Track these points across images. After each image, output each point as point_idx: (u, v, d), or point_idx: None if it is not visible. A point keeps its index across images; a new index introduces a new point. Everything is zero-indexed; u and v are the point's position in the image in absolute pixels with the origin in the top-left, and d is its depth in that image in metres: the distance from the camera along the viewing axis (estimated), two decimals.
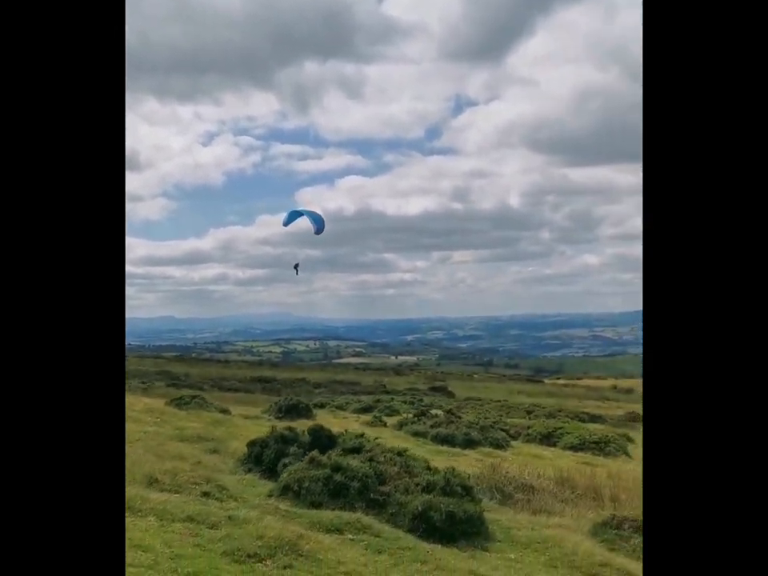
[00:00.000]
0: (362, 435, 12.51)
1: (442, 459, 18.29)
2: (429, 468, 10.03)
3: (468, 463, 17.29)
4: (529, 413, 36.58)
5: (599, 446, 22.55)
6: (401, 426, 23.14)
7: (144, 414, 17.47)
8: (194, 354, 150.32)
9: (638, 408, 49.20)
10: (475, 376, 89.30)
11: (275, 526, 6.76)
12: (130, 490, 7.35)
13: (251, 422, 19.53)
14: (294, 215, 20.13)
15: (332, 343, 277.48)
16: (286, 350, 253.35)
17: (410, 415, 24.66)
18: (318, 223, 19.68)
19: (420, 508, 8.50)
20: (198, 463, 10.62)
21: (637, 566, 8.72)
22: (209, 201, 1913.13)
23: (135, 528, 6.44)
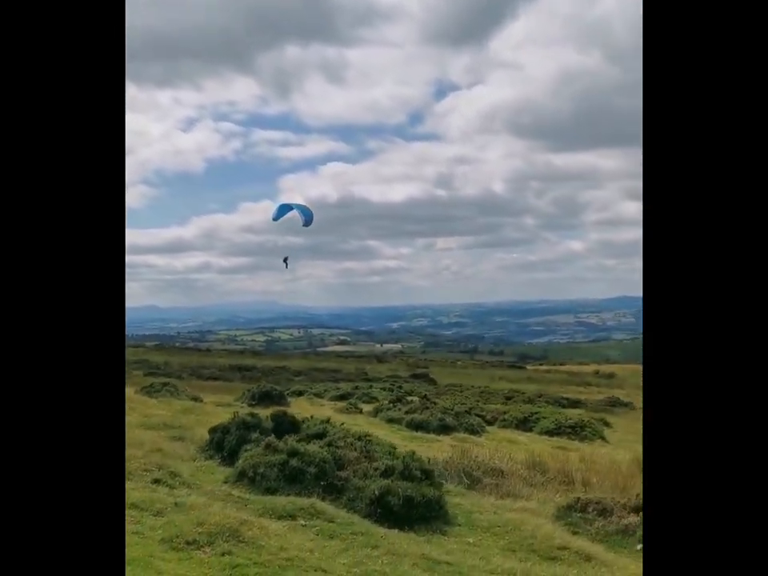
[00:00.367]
0: (327, 421, 12.33)
1: (414, 445, 18.16)
2: (391, 453, 9.85)
3: (441, 449, 17.15)
4: (508, 398, 36.58)
5: (575, 431, 22.56)
6: (376, 412, 23.02)
7: None
8: (177, 344, 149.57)
9: (619, 393, 49.51)
10: (458, 363, 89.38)
11: (219, 513, 6.57)
12: None
13: (223, 409, 19.28)
14: (284, 209, 19.91)
15: (316, 331, 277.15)
16: (269, 338, 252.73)
17: (386, 402, 24.52)
18: (307, 215, 19.54)
19: (377, 492, 8.34)
20: (156, 450, 10.39)
21: (597, 549, 8.62)
22: (190, 188, 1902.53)
23: None
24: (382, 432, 20.69)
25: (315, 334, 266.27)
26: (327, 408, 24.98)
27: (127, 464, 8.64)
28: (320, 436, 10.65)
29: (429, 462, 9.88)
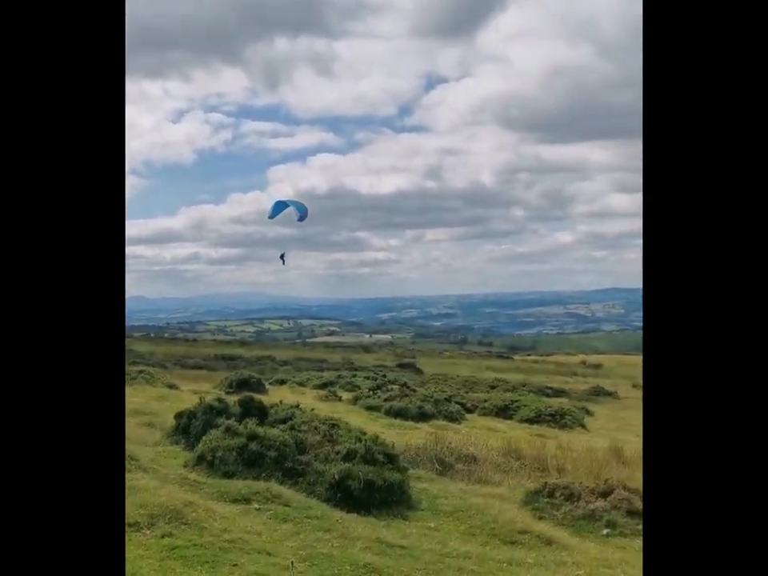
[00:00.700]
0: (296, 406, 12.17)
1: (392, 432, 18.06)
2: (356, 438, 9.70)
3: (417, 436, 17.05)
4: (492, 387, 36.48)
5: (555, 419, 22.49)
6: (356, 400, 22.87)
7: None
8: (166, 335, 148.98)
9: (604, 383, 49.54)
10: (445, 353, 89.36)
11: (165, 495, 6.40)
12: None
13: (198, 396, 19.08)
14: (279, 206, 19.77)
15: (306, 322, 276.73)
16: (259, 329, 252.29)
17: (366, 390, 24.39)
18: (302, 211, 19.47)
19: (337, 476, 8.21)
20: None
21: (561, 533, 8.51)
22: (179, 179, 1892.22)
23: None
24: (359, 419, 20.55)
25: (305, 325, 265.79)
26: (308, 396, 24.84)
27: None
28: (286, 421, 10.51)
29: (393, 446, 9.72)
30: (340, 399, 23.38)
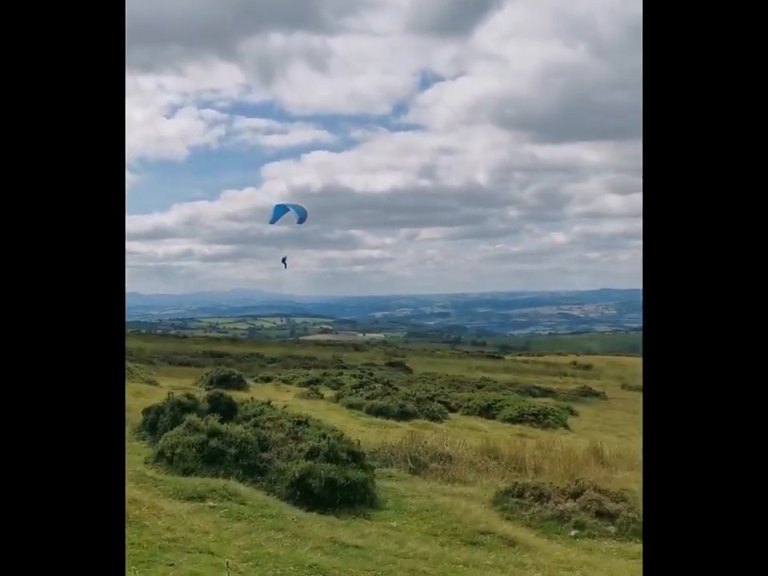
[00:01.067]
0: (267, 403, 12.00)
1: (372, 431, 17.93)
2: (324, 435, 9.52)
3: (397, 434, 16.91)
4: (479, 387, 36.34)
5: (537, 419, 22.37)
6: (338, 398, 22.72)
7: None
8: (159, 331, 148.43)
9: (593, 383, 49.47)
10: (437, 352, 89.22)
11: None
12: None
13: (168, 392, 18.93)
14: (279, 211, 19.69)
15: (299, 320, 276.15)
16: (252, 326, 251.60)
17: (348, 387, 24.23)
18: (301, 213, 19.46)
19: (297, 475, 8.04)
20: None
21: (525, 534, 8.37)
22: (173, 175, 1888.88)
23: None
24: (340, 418, 20.41)
25: (298, 323, 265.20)
26: (290, 394, 24.66)
27: None
28: (253, 418, 10.33)
29: (359, 444, 9.55)
30: (322, 397, 23.22)
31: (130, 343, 62.75)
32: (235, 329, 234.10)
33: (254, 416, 10.23)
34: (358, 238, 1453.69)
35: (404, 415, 20.47)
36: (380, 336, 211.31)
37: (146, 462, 8.66)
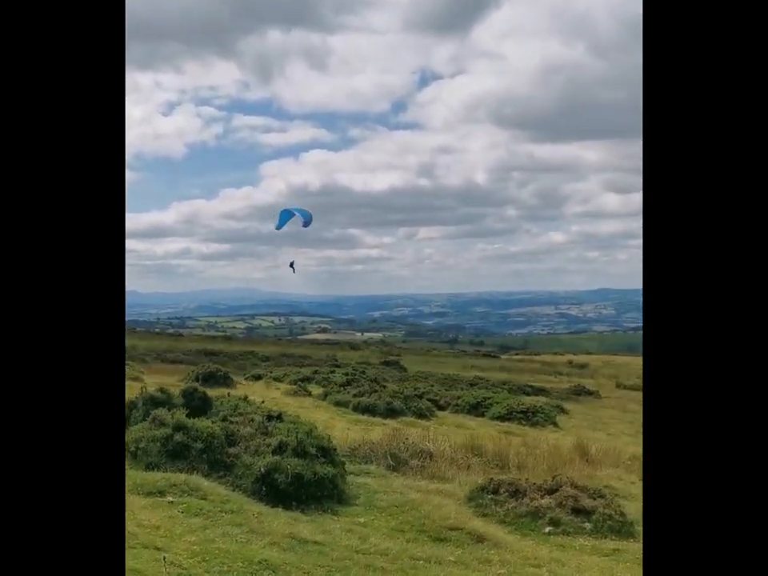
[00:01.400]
0: (244, 398, 11.85)
1: (358, 428, 17.78)
2: (292, 430, 9.34)
3: (381, 431, 16.76)
4: (473, 385, 36.17)
5: (526, 416, 22.23)
6: (325, 395, 22.55)
7: None
8: (156, 329, 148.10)
9: (588, 382, 49.32)
10: (433, 351, 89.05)
11: None
12: None
13: (141, 387, 18.73)
14: (285, 216, 19.62)
15: (297, 319, 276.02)
16: (250, 325, 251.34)
17: (336, 385, 24.07)
18: (306, 217, 19.46)
19: (263, 470, 7.87)
20: None
21: (496, 530, 8.21)
22: (170, 173, 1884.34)
23: None
24: (326, 415, 20.25)
25: (296, 322, 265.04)
26: (279, 391, 24.48)
27: None
28: (220, 412, 10.17)
29: (329, 439, 9.39)
30: (309, 394, 23.05)
31: (126, 341, 62.55)
32: (233, 328, 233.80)
33: (228, 411, 10.06)
34: (357, 237, 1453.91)
35: (391, 413, 20.31)
36: (378, 335, 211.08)
37: None
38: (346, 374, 35.51)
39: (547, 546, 8.05)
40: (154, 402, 10.90)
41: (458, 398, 24.45)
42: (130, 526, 5.63)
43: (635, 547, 8.31)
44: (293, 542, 6.23)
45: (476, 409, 23.08)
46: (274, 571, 5.28)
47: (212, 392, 14.49)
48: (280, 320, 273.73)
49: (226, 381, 21.62)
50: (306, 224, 19.56)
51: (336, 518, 7.76)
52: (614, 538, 8.72)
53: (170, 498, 6.91)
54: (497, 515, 9.18)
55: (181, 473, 7.76)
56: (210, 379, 21.21)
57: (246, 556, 5.47)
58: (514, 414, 22.16)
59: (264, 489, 7.76)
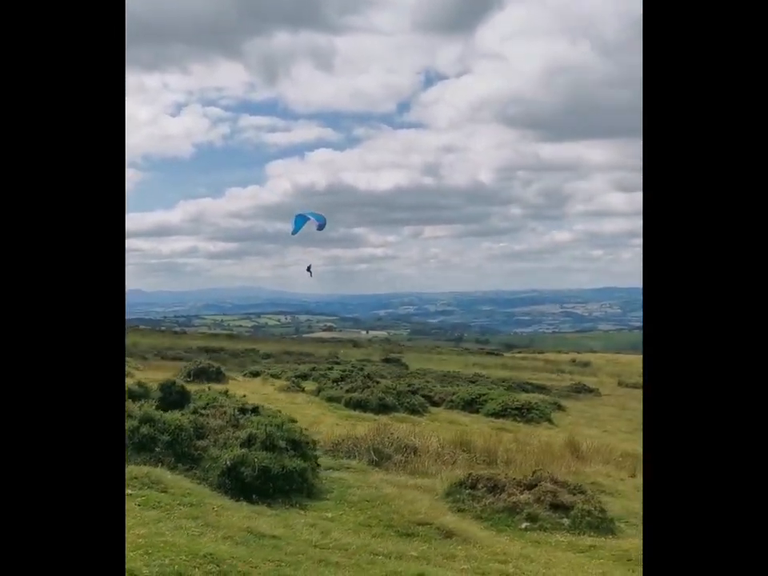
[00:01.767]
0: (225, 392, 11.70)
1: (346, 423, 17.61)
2: (261, 423, 9.18)
3: (370, 427, 16.59)
4: (472, 382, 35.98)
5: (521, 413, 22.00)
6: (318, 391, 22.40)
7: None
8: (162, 328, 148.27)
9: (589, 380, 49.04)
10: (436, 349, 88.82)
11: None
12: None
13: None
14: (300, 221, 19.64)
15: (303, 317, 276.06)
16: (256, 324, 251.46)
17: (329, 381, 23.91)
18: (320, 220, 19.58)
19: (229, 463, 7.71)
20: None
21: (468, 526, 8.03)
22: (177, 173, 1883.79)
23: None
24: (317, 410, 20.08)
25: (302, 321, 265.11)
26: (274, 387, 24.33)
27: None
28: (207, 406, 10.02)
29: (301, 432, 9.21)
30: (303, 390, 22.89)
31: (127, 338, 62.68)
32: (240, 326, 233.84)
33: (202, 404, 9.90)
34: (362, 236, 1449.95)
35: (383, 408, 20.14)
36: (383, 334, 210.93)
37: None
38: (344, 371, 35.39)
39: (521, 542, 7.87)
40: (131, 395, 10.75)
41: (453, 394, 24.26)
42: None
43: (612, 543, 8.13)
44: (248, 535, 6.06)
45: (470, 405, 22.88)
46: (217, 565, 5.10)
47: (201, 387, 14.38)
48: (286, 318, 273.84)
49: (217, 376, 21.49)
50: (320, 227, 19.69)
51: (303, 512, 7.59)
52: (592, 534, 8.53)
53: (129, 491, 6.75)
54: (473, 510, 9.00)
55: (145, 465, 7.61)
56: (202, 375, 21.09)
57: (192, 549, 5.29)
58: (509, 410, 21.95)
59: (229, 482, 7.61)
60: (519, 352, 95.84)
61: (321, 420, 17.78)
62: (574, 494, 9.37)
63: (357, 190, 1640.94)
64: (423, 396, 23.15)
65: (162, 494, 6.86)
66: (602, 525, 8.84)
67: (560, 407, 26.87)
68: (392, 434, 13.41)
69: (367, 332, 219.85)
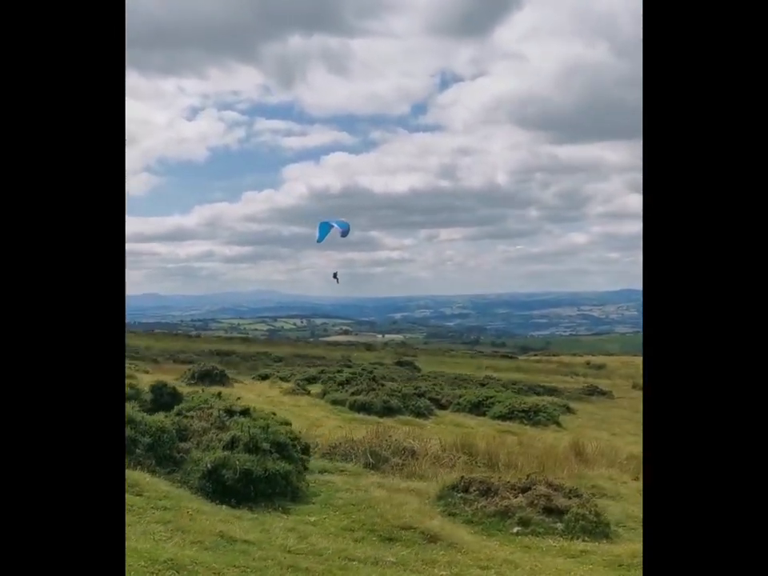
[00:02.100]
0: (218, 395, 11.56)
1: (348, 426, 17.40)
2: (245, 425, 9.00)
3: (371, 430, 16.40)
4: (483, 385, 35.69)
5: (528, 416, 21.73)
6: (324, 394, 22.25)
7: None
8: (179, 332, 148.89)
9: (603, 383, 48.61)
10: (450, 352, 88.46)
11: None
12: None
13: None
14: (324, 229, 19.73)
15: (319, 321, 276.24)
16: (272, 327, 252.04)
17: (334, 384, 23.75)
18: (344, 227, 19.78)
19: (210, 465, 7.55)
20: None
21: (456, 531, 7.81)
22: (193, 176, 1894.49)
23: None
24: (320, 413, 19.91)
25: (318, 324, 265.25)
26: (280, 390, 24.20)
27: None
28: (197, 408, 9.88)
29: (289, 432, 9.04)
30: (308, 393, 22.75)
31: (140, 342, 62.84)
32: (255, 329, 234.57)
33: (201, 407, 9.76)
34: (378, 240, 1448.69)
35: (388, 411, 19.94)
36: (399, 337, 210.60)
37: None
38: (354, 374, 35.23)
39: (511, 547, 7.65)
40: None
41: (460, 396, 24.01)
42: None
43: (605, 548, 7.88)
44: (219, 540, 5.89)
45: (477, 408, 22.63)
46: (177, 571, 4.93)
47: (200, 390, 14.23)
48: (302, 322, 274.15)
49: (221, 379, 21.38)
50: (344, 234, 19.78)
51: (285, 516, 7.42)
52: (585, 539, 8.29)
53: None
54: (464, 514, 8.78)
55: (125, 468, 7.46)
56: (206, 377, 21.01)
57: (154, 555, 5.13)
58: (516, 413, 21.69)
59: (210, 485, 7.45)
60: (534, 355, 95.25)
61: (322, 423, 17.61)
62: (570, 498, 9.13)
63: (372, 193, 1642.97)
64: (430, 399, 22.92)
65: (137, 497, 6.72)
66: (597, 529, 8.59)
67: (569, 410, 26.55)
68: (390, 436, 13.22)
69: (383, 335, 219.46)
